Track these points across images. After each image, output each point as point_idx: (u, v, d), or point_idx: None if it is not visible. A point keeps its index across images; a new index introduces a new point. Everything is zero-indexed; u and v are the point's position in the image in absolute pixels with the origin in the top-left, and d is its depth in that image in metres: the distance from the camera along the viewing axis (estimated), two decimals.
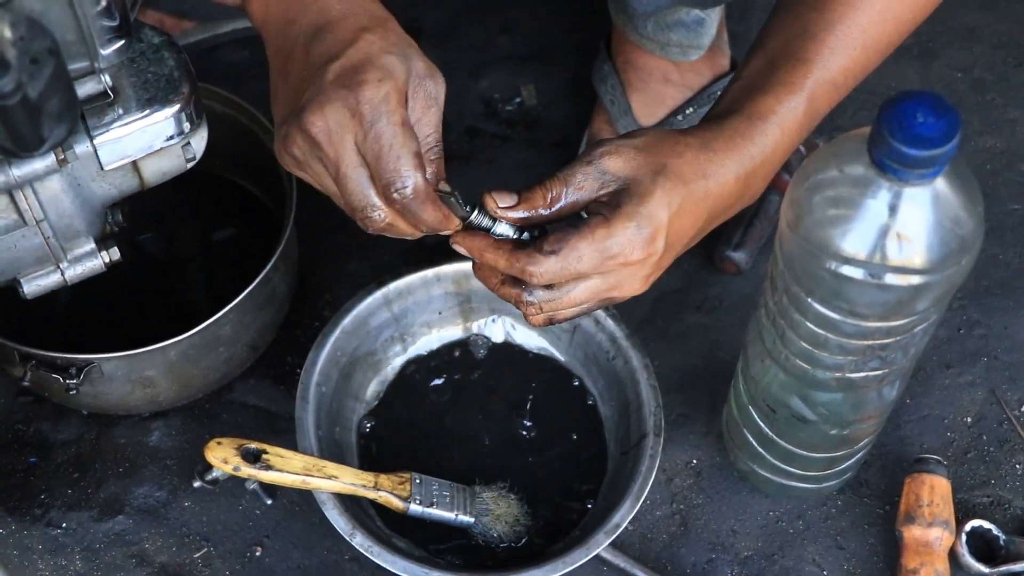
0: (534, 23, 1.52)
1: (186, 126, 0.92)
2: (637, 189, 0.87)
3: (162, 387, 1.19)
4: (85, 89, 0.87)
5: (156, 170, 0.94)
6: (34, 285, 0.97)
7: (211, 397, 1.26)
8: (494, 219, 0.90)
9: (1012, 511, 1.19)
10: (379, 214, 0.88)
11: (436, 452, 1.19)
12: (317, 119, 0.85)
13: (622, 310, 1.20)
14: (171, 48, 0.92)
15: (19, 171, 0.86)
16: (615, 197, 0.88)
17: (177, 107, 0.91)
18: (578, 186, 0.88)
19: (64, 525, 1.20)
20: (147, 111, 0.90)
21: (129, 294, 1.25)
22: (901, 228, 0.84)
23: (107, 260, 0.98)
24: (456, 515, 1.12)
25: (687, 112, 1.35)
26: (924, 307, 0.90)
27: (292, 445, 1.10)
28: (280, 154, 0.90)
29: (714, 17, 1.30)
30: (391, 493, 1.10)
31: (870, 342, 0.94)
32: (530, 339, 1.24)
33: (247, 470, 1.06)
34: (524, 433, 1.21)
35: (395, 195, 0.86)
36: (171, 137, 0.92)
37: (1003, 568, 1.14)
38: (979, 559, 1.15)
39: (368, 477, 1.10)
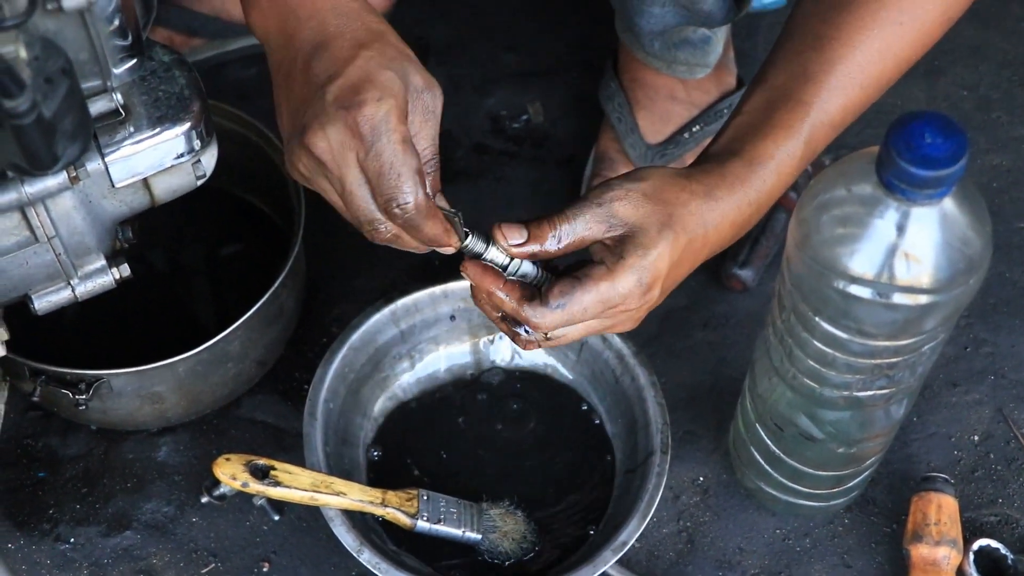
0: (541, 41, 1.53)
1: (197, 144, 0.93)
2: (643, 240, 0.88)
3: (171, 403, 1.19)
4: (97, 107, 0.88)
5: (167, 187, 0.95)
6: (45, 301, 0.97)
7: (219, 413, 1.26)
8: (488, 244, 0.91)
9: (1020, 530, 1.19)
10: (385, 227, 0.89)
11: (443, 469, 1.19)
12: (319, 140, 0.86)
13: None
14: (182, 66, 0.93)
15: (32, 188, 0.87)
16: (619, 244, 0.89)
17: (188, 125, 0.91)
18: (586, 226, 0.89)
19: (72, 540, 1.20)
20: (158, 129, 0.90)
21: (137, 309, 1.26)
22: (909, 248, 0.85)
23: (117, 276, 0.99)
24: (463, 532, 1.12)
25: (693, 130, 1.35)
26: (932, 326, 0.90)
27: (300, 461, 1.10)
28: (288, 169, 0.91)
29: (720, 36, 1.30)
30: (399, 510, 1.10)
31: (878, 361, 0.94)
32: (537, 356, 1.25)
33: (255, 486, 1.06)
34: (531, 450, 1.21)
35: (396, 211, 0.87)
36: (182, 155, 0.92)
37: None
38: None
39: (376, 494, 1.10)
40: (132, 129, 0.90)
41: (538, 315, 0.89)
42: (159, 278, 1.32)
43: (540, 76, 1.50)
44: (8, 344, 1.00)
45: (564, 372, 1.24)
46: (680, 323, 1.32)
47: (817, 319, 0.92)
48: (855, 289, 0.87)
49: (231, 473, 1.06)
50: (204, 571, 1.18)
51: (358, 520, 1.10)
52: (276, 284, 1.16)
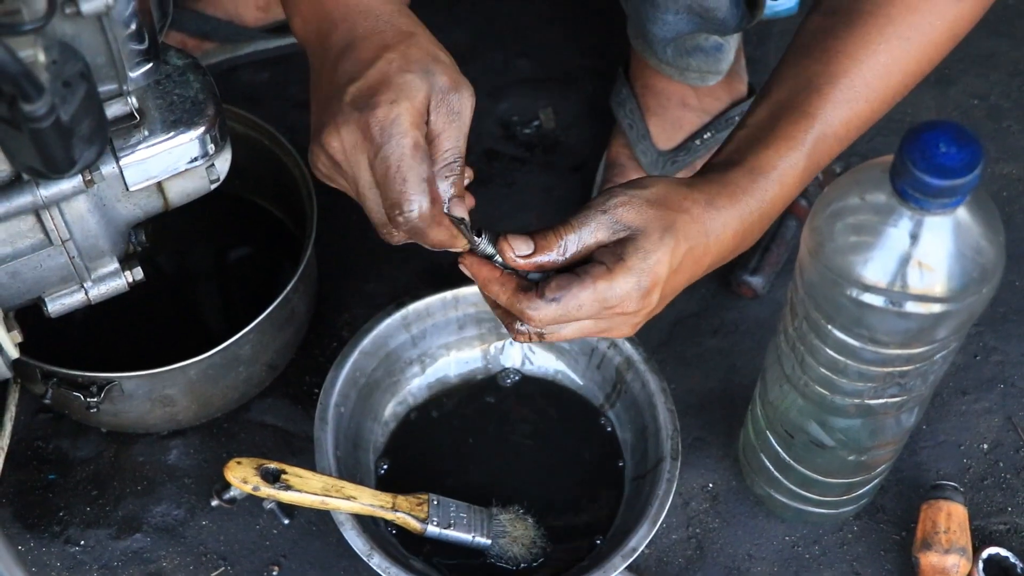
0: (553, 47, 1.53)
1: (211, 148, 0.93)
2: (644, 243, 0.88)
3: (181, 406, 1.20)
4: (112, 111, 0.88)
5: (180, 191, 0.95)
6: (58, 304, 0.98)
7: (229, 416, 1.26)
8: (480, 232, 0.91)
9: None
10: (396, 233, 0.90)
11: (454, 474, 1.19)
12: (334, 140, 0.87)
13: (639, 334, 1.19)
14: (196, 70, 0.93)
15: (47, 191, 0.87)
16: (620, 246, 0.89)
17: (202, 129, 0.91)
18: (591, 234, 0.90)
19: (82, 543, 1.20)
20: (172, 133, 0.91)
21: (149, 313, 1.26)
22: (922, 256, 0.85)
23: (130, 280, 0.99)
24: (473, 537, 1.12)
25: (705, 137, 1.35)
26: (944, 335, 0.90)
27: (310, 465, 1.10)
28: (311, 167, 0.92)
29: (732, 43, 1.30)
30: (409, 514, 1.11)
31: (890, 369, 0.94)
32: (548, 362, 1.25)
33: (266, 490, 1.06)
34: (541, 455, 1.21)
35: (400, 218, 0.88)
36: (196, 159, 0.92)
37: None
38: None
39: (386, 498, 1.10)
40: (147, 133, 0.90)
41: (533, 307, 0.89)
42: (171, 281, 1.32)
43: (552, 83, 1.51)
44: (21, 346, 1.01)
45: (574, 378, 1.24)
46: (690, 330, 1.32)
47: (829, 327, 0.92)
48: (868, 297, 0.87)
49: (242, 476, 1.06)
50: (214, 574, 1.19)
51: (368, 524, 1.10)
52: (288, 288, 1.16)
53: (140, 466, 1.24)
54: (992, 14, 1.53)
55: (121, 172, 0.90)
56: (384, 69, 0.87)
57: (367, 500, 1.09)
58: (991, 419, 1.26)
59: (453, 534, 1.12)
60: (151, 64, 0.87)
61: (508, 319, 0.93)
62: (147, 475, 1.24)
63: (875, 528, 1.20)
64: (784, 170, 0.92)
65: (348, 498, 1.08)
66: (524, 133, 1.47)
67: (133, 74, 0.86)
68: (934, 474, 1.23)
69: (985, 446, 1.25)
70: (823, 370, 0.97)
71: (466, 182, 0.93)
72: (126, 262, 0.98)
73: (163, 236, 1.03)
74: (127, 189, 0.92)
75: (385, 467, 1.20)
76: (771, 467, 1.14)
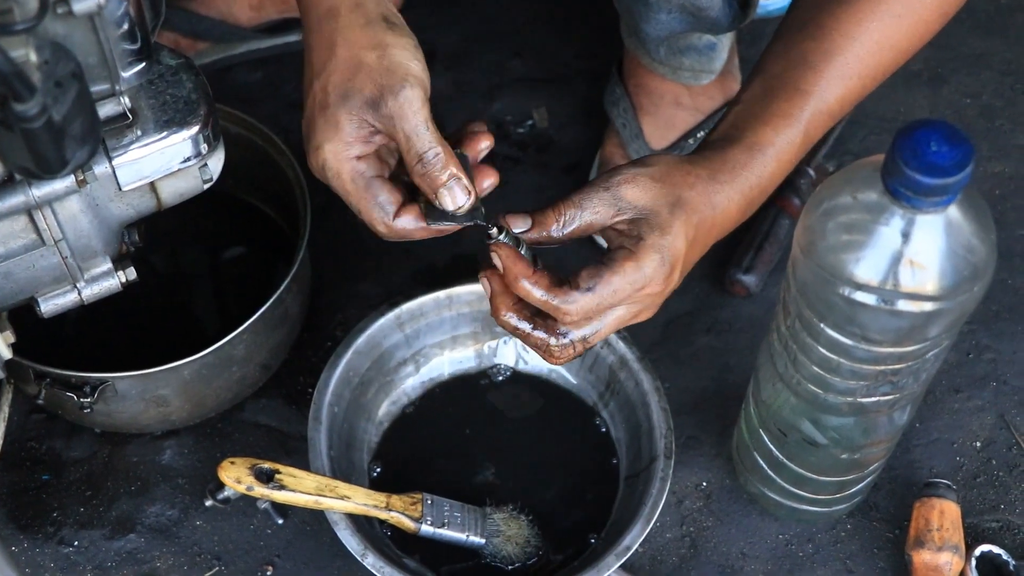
0: (547, 47, 1.53)
1: (203, 147, 0.93)
2: (657, 221, 0.89)
3: (175, 406, 1.20)
4: (105, 111, 0.88)
5: (173, 191, 0.95)
6: (51, 304, 0.98)
7: (223, 416, 1.26)
8: (502, 230, 0.90)
9: (1021, 536, 1.19)
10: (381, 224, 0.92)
11: (448, 473, 1.19)
12: (311, 138, 0.91)
13: (633, 333, 1.20)
14: (189, 70, 0.93)
15: (39, 191, 0.87)
16: (635, 228, 0.89)
17: (195, 129, 0.91)
18: (593, 210, 0.89)
19: (76, 543, 1.20)
20: (165, 133, 0.90)
21: (142, 313, 1.26)
22: (914, 255, 0.85)
23: (123, 280, 0.99)
24: (467, 536, 1.12)
25: (698, 135, 1.36)
26: (936, 333, 0.90)
27: (304, 465, 1.10)
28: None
29: (726, 42, 1.31)
30: (403, 514, 1.11)
31: (882, 367, 0.94)
32: (541, 362, 1.25)
33: (260, 490, 1.06)
34: (535, 455, 1.21)
35: (381, 232, 0.92)
36: (188, 158, 0.92)
37: None
38: None
39: (380, 498, 1.10)
40: (139, 133, 0.90)
41: (569, 300, 0.87)
42: (164, 281, 1.32)
43: (546, 82, 1.51)
44: (13, 347, 1.01)
45: (568, 377, 1.24)
46: (684, 329, 1.32)
47: (822, 325, 0.92)
48: (860, 296, 0.87)
49: (235, 476, 1.06)
50: (208, 575, 1.19)
51: (362, 524, 1.10)
52: (281, 288, 1.16)
53: (134, 466, 1.24)
54: (984, 14, 1.55)
55: (114, 172, 0.90)
56: (310, 114, 0.91)
57: (361, 500, 1.09)
58: (984, 417, 1.26)
59: (447, 533, 1.12)
60: (144, 64, 0.87)
61: (543, 338, 0.90)
62: (141, 475, 1.24)
63: (868, 526, 1.21)
64: (781, 146, 0.93)
65: (342, 498, 1.08)
66: (518, 132, 1.47)
67: (125, 74, 0.86)
68: (927, 472, 1.23)
69: (978, 444, 1.25)
70: (816, 368, 0.97)
71: (482, 152, 0.93)
72: (119, 262, 0.98)
73: (156, 236, 1.03)
74: (120, 189, 0.91)
75: (379, 467, 1.20)
76: (764, 465, 1.14)
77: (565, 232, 0.90)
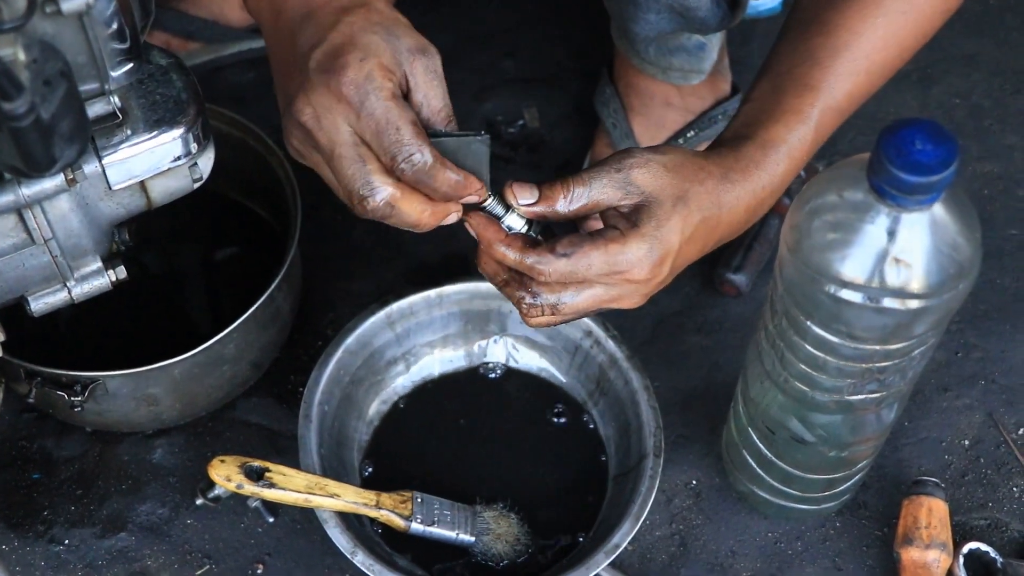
0: (538, 47, 1.54)
1: (193, 147, 0.93)
2: (657, 211, 0.88)
3: (166, 405, 1.20)
4: (95, 110, 0.88)
5: (163, 190, 0.95)
6: (41, 303, 0.98)
7: (214, 415, 1.27)
8: (508, 208, 0.90)
9: (1009, 534, 1.20)
10: (380, 194, 0.86)
11: (437, 471, 1.19)
12: (304, 107, 0.85)
13: (623, 331, 1.21)
14: (179, 70, 0.93)
15: (29, 190, 0.87)
16: (634, 212, 0.89)
17: (184, 128, 0.92)
18: (601, 190, 0.89)
19: (67, 542, 1.20)
20: (155, 132, 0.91)
21: (133, 312, 1.26)
22: (899, 253, 0.85)
23: (113, 279, 0.99)
24: (457, 534, 1.13)
25: (688, 135, 1.36)
26: (922, 331, 0.91)
27: (294, 463, 1.10)
28: (286, 147, 0.90)
29: (715, 42, 1.31)
30: (393, 512, 1.11)
31: (868, 365, 0.94)
32: (531, 360, 1.25)
33: (250, 488, 1.07)
34: (525, 453, 1.22)
35: (403, 166, 0.84)
36: (178, 157, 0.92)
37: None
38: None
39: (370, 496, 1.10)
40: (129, 132, 0.90)
41: (543, 261, 0.88)
42: (155, 280, 1.32)
43: (537, 82, 1.51)
44: (4, 345, 1.01)
45: (558, 376, 1.25)
46: (674, 328, 1.33)
47: (808, 323, 0.93)
48: (846, 294, 0.88)
49: (226, 475, 1.07)
50: (198, 573, 1.19)
51: (352, 522, 1.11)
52: (272, 287, 1.17)
53: (125, 465, 1.24)
54: (974, 15, 1.55)
55: (104, 171, 0.90)
56: (346, 31, 0.86)
57: (351, 498, 1.09)
58: (972, 416, 1.27)
59: (437, 531, 1.12)
60: (133, 63, 0.87)
61: (518, 294, 0.91)
62: (132, 474, 1.24)
63: (857, 524, 1.21)
64: (793, 144, 0.93)
65: (332, 496, 1.08)
66: (509, 132, 1.48)
67: (115, 73, 0.86)
68: (915, 470, 1.23)
69: (966, 442, 1.26)
70: (803, 366, 0.98)
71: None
72: (109, 261, 0.98)
73: (147, 235, 1.03)
74: (110, 188, 0.92)
75: (369, 465, 1.20)
76: (753, 463, 1.14)
77: (571, 208, 0.89)
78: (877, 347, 0.92)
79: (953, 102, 1.49)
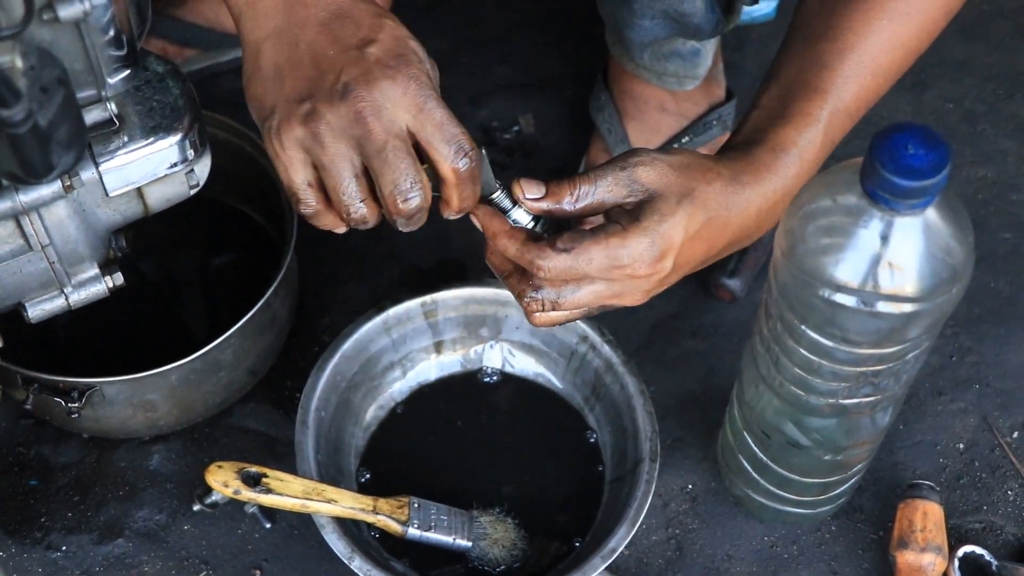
0: (533, 53, 1.54)
1: (190, 153, 0.93)
2: (660, 206, 0.89)
3: (163, 411, 1.20)
4: (91, 117, 0.89)
5: (160, 196, 0.96)
6: (38, 309, 0.98)
7: (211, 421, 1.27)
8: (514, 203, 0.91)
9: (1004, 537, 1.20)
10: (422, 195, 0.88)
11: (434, 477, 1.20)
12: (365, 94, 0.86)
13: (619, 336, 1.21)
14: (176, 76, 0.94)
15: (26, 197, 0.88)
16: (637, 208, 0.89)
17: (181, 135, 0.92)
18: (607, 189, 0.90)
19: (64, 548, 1.20)
20: (152, 139, 0.91)
21: (130, 318, 1.26)
22: (893, 257, 0.86)
23: (111, 285, 0.99)
24: (454, 539, 1.13)
25: (683, 141, 1.37)
26: (916, 335, 0.91)
27: (291, 469, 1.11)
28: (281, 135, 0.89)
29: (710, 48, 1.32)
30: (390, 517, 1.11)
31: (863, 369, 0.95)
32: (527, 365, 1.26)
33: (247, 493, 1.07)
34: (521, 458, 1.22)
35: (463, 161, 0.88)
36: (175, 164, 0.93)
37: None
38: None
39: (367, 501, 1.11)
40: (126, 138, 0.90)
41: (543, 256, 0.88)
42: (152, 287, 1.32)
43: (532, 88, 1.52)
44: (1, 352, 1.01)
45: (554, 381, 1.25)
46: (669, 332, 1.33)
47: (803, 327, 0.93)
48: (840, 298, 0.88)
49: (223, 480, 1.07)
50: None
51: (349, 527, 1.11)
52: (268, 293, 1.17)
53: (122, 471, 1.24)
54: (967, 19, 1.56)
55: (100, 177, 0.91)
56: (394, 34, 0.89)
57: (348, 503, 1.09)
58: (967, 419, 1.27)
59: (434, 536, 1.12)
60: (130, 70, 0.87)
61: (520, 286, 0.92)
62: (129, 480, 1.24)
63: (852, 527, 1.21)
64: (804, 146, 0.94)
65: (329, 501, 1.08)
66: (504, 138, 1.48)
67: (112, 80, 0.86)
68: (911, 474, 1.24)
69: (961, 446, 1.26)
70: (797, 370, 0.98)
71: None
72: (106, 267, 0.99)
73: (143, 241, 1.04)
74: (107, 194, 0.92)
75: (366, 472, 1.20)
76: (749, 468, 1.15)
77: (577, 206, 0.90)
78: (871, 351, 0.92)
79: (946, 107, 1.49)
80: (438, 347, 1.25)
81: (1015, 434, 1.27)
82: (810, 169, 0.95)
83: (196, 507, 1.17)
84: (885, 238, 0.85)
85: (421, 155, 0.89)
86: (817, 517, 1.21)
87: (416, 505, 1.13)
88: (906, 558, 1.14)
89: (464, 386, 1.26)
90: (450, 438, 1.23)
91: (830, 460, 1.08)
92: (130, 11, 0.85)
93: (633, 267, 0.89)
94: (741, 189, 0.92)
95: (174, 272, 1.35)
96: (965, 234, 0.87)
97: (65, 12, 0.77)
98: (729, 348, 1.31)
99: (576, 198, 0.90)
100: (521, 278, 0.92)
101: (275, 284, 1.17)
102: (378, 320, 1.20)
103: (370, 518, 1.10)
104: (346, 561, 1.08)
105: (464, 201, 0.91)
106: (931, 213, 0.85)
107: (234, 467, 1.07)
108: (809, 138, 0.94)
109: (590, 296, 0.91)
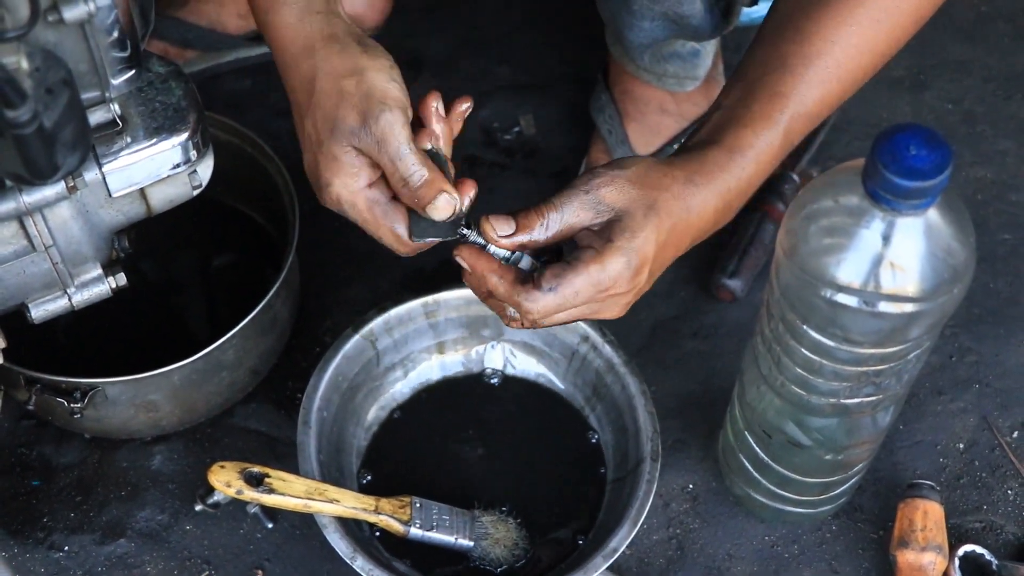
0: (533, 54, 1.54)
1: (193, 154, 0.93)
2: (629, 223, 0.90)
3: (165, 411, 1.20)
4: (95, 118, 0.89)
5: (163, 197, 0.96)
6: (42, 310, 0.98)
7: (213, 421, 1.27)
8: (473, 228, 0.93)
9: (1004, 536, 1.21)
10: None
11: (436, 477, 1.20)
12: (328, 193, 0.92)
13: (620, 337, 1.21)
14: (178, 78, 0.94)
15: (30, 198, 0.88)
16: (606, 229, 0.90)
17: (184, 136, 0.92)
18: (574, 214, 0.91)
19: (66, 548, 1.21)
20: (155, 139, 0.91)
21: (133, 318, 1.27)
22: (894, 257, 0.86)
23: (113, 285, 0.99)
24: (456, 539, 1.13)
25: (683, 141, 1.37)
26: (917, 334, 0.91)
27: (293, 469, 1.11)
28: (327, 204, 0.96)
29: (710, 49, 1.32)
30: (392, 517, 1.11)
31: (864, 368, 0.95)
32: (529, 365, 1.26)
33: (250, 493, 1.07)
34: (523, 458, 1.22)
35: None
36: (178, 165, 0.93)
37: None
38: None
39: (369, 501, 1.11)
40: (129, 139, 0.90)
41: (531, 299, 0.90)
42: (154, 287, 1.32)
43: (533, 89, 1.52)
44: (4, 352, 1.01)
45: (556, 381, 1.25)
46: (670, 333, 1.33)
47: (805, 327, 0.94)
48: (842, 298, 0.88)
49: (225, 480, 1.07)
50: None
51: (352, 527, 1.11)
52: (270, 294, 1.17)
53: (124, 471, 1.25)
54: (966, 21, 1.56)
55: (104, 178, 0.91)
56: (311, 156, 0.92)
57: (350, 503, 1.09)
58: (967, 419, 1.28)
59: (436, 536, 1.13)
60: (133, 71, 0.87)
61: (499, 307, 0.94)
62: (131, 480, 1.24)
63: (853, 527, 1.22)
64: (761, 148, 0.94)
65: (331, 501, 1.09)
66: (505, 139, 1.48)
67: (115, 81, 0.87)
68: (911, 473, 1.24)
69: (961, 445, 1.26)
70: (799, 370, 0.98)
71: (465, 112, 0.98)
72: (109, 268, 0.99)
73: (146, 242, 1.04)
74: (110, 195, 0.92)
75: (368, 471, 1.21)
76: (750, 467, 1.15)
77: (548, 235, 0.91)
78: (872, 351, 0.93)
79: (946, 108, 1.50)
80: (440, 348, 1.25)
81: (1015, 434, 1.27)
82: (767, 169, 0.96)
83: (198, 507, 1.17)
84: (887, 238, 0.86)
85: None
86: (818, 517, 1.21)
87: (418, 505, 1.13)
88: (906, 557, 1.14)
89: (466, 386, 1.26)
90: (452, 438, 1.23)
91: (831, 460, 1.09)
92: (134, 13, 0.85)
93: (615, 287, 0.90)
94: (697, 190, 0.92)
95: (176, 273, 1.35)
96: (966, 234, 0.88)
97: (70, 14, 0.77)
98: (730, 348, 1.32)
99: (546, 227, 0.91)
100: (500, 308, 0.94)
101: (277, 284, 1.18)
102: (380, 320, 1.21)
103: (372, 518, 1.11)
104: (348, 561, 1.08)
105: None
106: (932, 213, 0.85)
107: (237, 467, 1.08)
108: (768, 141, 0.94)
109: (569, 316, 0.93)
